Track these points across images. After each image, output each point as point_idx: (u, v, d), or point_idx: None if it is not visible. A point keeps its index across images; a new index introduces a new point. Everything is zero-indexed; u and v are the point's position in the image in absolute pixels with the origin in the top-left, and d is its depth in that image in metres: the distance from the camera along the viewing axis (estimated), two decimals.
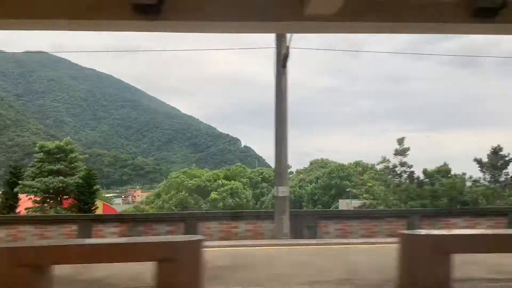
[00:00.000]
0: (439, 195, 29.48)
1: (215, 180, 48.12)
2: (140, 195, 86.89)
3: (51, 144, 31.02)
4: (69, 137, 35.08)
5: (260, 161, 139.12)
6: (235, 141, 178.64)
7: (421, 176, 31.74)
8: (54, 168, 29.66)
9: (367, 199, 33.24)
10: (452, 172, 32.07)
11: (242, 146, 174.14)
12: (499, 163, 32.44)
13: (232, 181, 48.23)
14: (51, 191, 29.18)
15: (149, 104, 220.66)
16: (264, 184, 53.21)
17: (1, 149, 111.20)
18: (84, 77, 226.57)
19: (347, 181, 45.85)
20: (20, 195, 28.94)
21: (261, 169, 60.35)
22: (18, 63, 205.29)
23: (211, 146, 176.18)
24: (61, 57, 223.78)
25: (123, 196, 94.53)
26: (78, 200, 28.82)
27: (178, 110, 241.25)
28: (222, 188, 46.45)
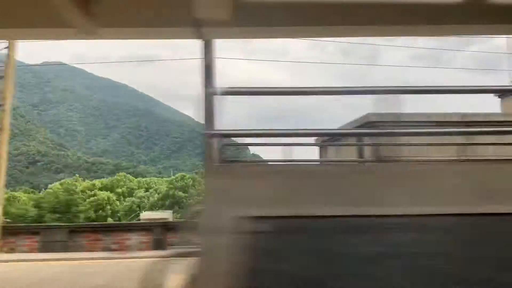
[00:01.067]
0: None
1: (90, 191, 46.40)
2: None
3: None
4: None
5: None
6: (244, 148, 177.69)
7: None
8: None
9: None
10: None
11: (251, 153, 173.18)
12: None
13: (105, 192, 46.19)
14: None
15: (162, 113, 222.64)
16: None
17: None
18: (99, 86, 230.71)
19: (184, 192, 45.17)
20: None
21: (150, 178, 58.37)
22: (35, 74, 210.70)
23: None
24: (78, 68, 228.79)
25: None
26: None
27: (192, 118, 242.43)
28: (89, 200, 44.08)
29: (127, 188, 50.33)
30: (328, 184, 2.28)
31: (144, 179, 56.72)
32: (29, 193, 48.71)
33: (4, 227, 12.47)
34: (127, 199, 47.88)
